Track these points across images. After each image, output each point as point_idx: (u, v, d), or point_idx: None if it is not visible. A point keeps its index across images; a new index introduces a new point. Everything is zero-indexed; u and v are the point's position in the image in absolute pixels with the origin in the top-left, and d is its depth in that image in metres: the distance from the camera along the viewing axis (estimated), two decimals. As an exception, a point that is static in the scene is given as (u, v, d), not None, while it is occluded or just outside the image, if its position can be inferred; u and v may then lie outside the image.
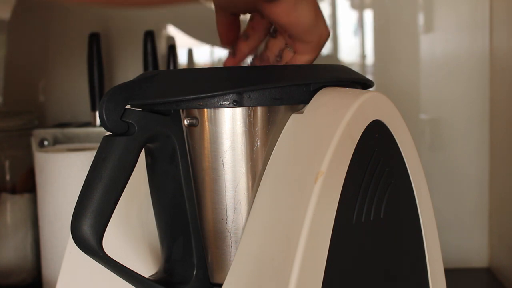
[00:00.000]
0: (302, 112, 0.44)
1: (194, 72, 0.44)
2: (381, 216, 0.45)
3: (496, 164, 0.98)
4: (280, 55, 0.53)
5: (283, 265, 0.38)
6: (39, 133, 0.90)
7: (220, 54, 1.06)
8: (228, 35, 0.54)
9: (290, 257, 0.38)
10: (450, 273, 0.56)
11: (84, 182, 0.41)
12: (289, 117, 0.44)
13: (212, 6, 0.56)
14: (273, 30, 0.54)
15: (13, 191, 0.89)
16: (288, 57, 0.53)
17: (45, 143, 0.89)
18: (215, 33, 0.54)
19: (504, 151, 0.94)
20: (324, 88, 0.45)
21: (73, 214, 0.40)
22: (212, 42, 1.06)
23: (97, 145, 0.42)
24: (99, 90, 0.94)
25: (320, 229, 0.39)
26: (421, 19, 1.01)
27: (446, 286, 0.53)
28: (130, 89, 0.42)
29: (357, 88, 0.48)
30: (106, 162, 0.40)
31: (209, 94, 0.42)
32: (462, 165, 1.01)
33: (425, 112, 1.01)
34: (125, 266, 0.42)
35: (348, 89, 0.46)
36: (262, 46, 0.55)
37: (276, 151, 0.44)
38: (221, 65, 0.59)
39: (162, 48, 1.04)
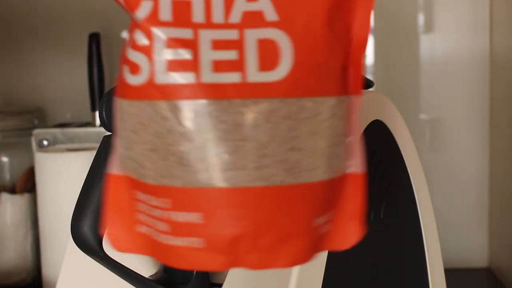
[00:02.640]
0: (302, 112, 0.44)
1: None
2: (381, 216, 0.45)
3: (496, 164, 0.98)
4: None
5: (283, 265, 0.38)
6: (39, 133, 0.90)
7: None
8: None
9: (290, 257, 0.38)
10: (450, 273, 0.56)
11: (84, 182, 0.41)
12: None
13: None
14: None
15: (13, 191, 0.89)
16: None
17: (45, 143, 0.89)
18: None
19: (504, 151, 0.93)
20: (324, 88, 0.45)
21: (73, 214, 0.40)
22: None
23: (97, 145, 0.42)
24: (99, 90, 0.94)
25: (320, 229, 0.39)
26: (421, 19, 1.01)
27: (446, 286, 0.53)
28: (130, 89, 0.42)
29: (357, 88, 0.48)
30: (106, 162, 0.40)
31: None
32: (462, 165, 1.01)
33: (425, 112, 1.01)
34: (125, 266, 0.41)
35: (348, 89, 0.46)
36: None
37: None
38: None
39: (162, 48, 1.04)
